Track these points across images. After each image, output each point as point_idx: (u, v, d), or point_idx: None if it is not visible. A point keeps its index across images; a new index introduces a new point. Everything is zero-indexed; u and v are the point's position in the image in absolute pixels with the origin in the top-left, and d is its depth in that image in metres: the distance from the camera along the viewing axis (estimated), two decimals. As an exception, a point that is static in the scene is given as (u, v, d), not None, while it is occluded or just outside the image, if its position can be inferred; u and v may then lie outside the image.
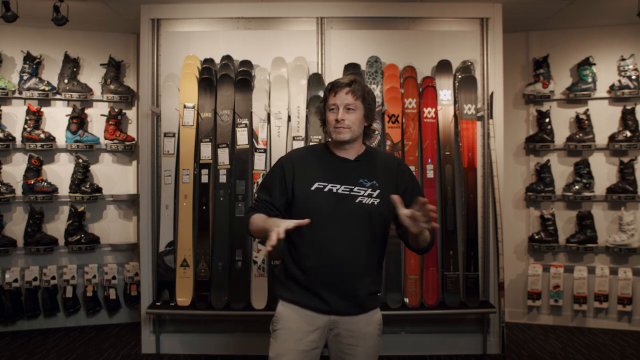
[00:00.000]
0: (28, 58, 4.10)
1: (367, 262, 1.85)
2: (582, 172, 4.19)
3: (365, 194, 1.83)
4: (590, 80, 4.20)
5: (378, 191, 1.85)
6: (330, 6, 3.71)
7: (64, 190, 4.20)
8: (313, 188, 1.82)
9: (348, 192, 1.82)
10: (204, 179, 3.53)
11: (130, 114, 4.43)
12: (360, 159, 1.89)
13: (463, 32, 3.75)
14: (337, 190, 1.82)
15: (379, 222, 1.85)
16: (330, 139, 1.92)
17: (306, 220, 1.73)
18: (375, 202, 1.83)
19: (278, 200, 1.88)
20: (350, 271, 1.82)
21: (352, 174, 1.86)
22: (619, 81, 4.16)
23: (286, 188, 1.87)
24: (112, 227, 4.41)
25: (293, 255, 1.86)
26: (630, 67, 4.13)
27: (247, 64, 3.63)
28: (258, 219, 1.84)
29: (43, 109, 4.17)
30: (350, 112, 1.83)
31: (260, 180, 3.45)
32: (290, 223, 1.71)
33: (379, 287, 1.93)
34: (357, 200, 1.82)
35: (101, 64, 4.32)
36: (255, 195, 1.94)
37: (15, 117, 4.18)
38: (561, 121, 4.33)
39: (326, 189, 1.82)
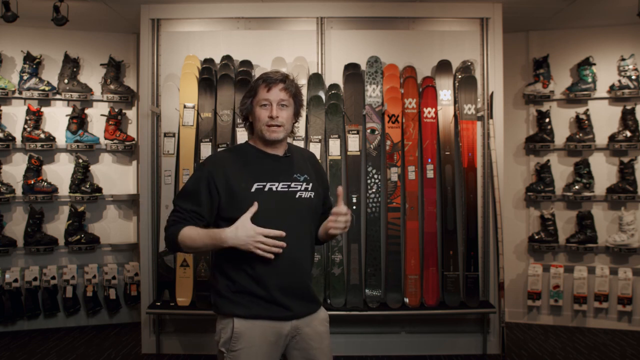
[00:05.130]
0: (28, 58, 4.10)
1: (311, 257, 1.85)
2: (582, 172, 4.19)
3: (302, 189, 1.80)
4: (590, 80, 4.20)
5: (311, 184, 1.83)
6: (330, 6, 3.71)
7: (64, 190, 4.20)
8: (253, 190, 1.73)
9: (287, 189, 1.77)
10: (204, 179, 3.53)
11: (130, 114, 4.43)
12: (288, 155, 1.85)
13: (463, 32, 3.75)
14: (276, 188, 1.76)
15: (315, 215, 1.86)
16: (256, 137, 1.84)
17: (254, 207, 1.67)
18: (312, 196, 1.82)
19: (206, 209, 1.75)
20: (302, 269, 1.80)
21: (285, 170, 1.81)
22: (619, 81, 4.16)
23: (218, 194, 1.74)
24: (112, 227, 4.41)
25: (239, 265, 1.74)
26: (630, 67, 4.13)
27: (247, 64, 3.63)
28: (194, 233, 1.71)
29: (43, 109, 4.17)
30: (283, 109, 1.77)
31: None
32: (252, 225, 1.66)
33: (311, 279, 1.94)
34: (297, 196, 1.79)
35: (101, 64, 4.32)
36: (176, 204, 1.78)
37: (15, 117, 4.18)
38: (561, 121, 4.33)
39: (266, 189, 1.75)
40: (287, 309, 1.74)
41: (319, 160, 2.04)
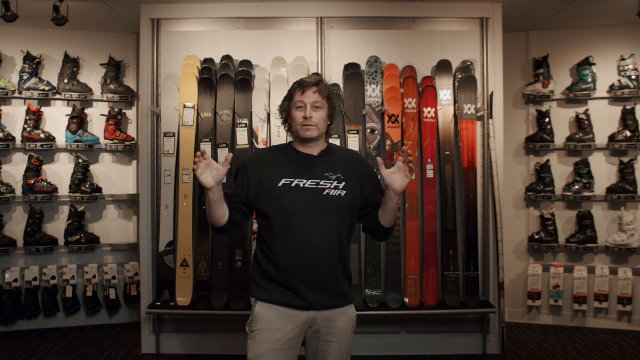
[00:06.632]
0: (28, 58, 4.10)
1: (339, 253, 1.89)
2: (582, 172, 4.19)
3: (332, 187, 1.89)
4: (590, 80, 4.20)
5: (344, 183, 1.90)
6: (330, 6, 3.71)
7: (64, 190, 4.20)
8: (280, 185, 1.86)
9: (315, 186, 1.87)
10: (204, 179, 3.52)
11: (130, 114, 4.43)
12: (324, 154, 1.95)
13: (463, 32, 3.75)
14: (304, 185, 1.87)
15: (347, 213, 1.91)
16: (293, 138, 1.98)
17: (229, 155, 1.80)
18: (342, 194, 1.89)
19: (243, 191, 1.92)
20: (325, 264, 1.85)
21: (317, 168, 1.91)
22: (619, 81, 4.16)
23: (247, 184, 1.91)
24: (112, 227, 4.41)
25: (266, 254, 1.88)
26: (630, 67, 4.13)
27: (247, 64, 3.63)
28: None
29: (43, 109, 4.17)
30: (317, 111, 1.89)
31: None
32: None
33: (350, 277, 1.99)
34: (324, 193, 1.87)
35: (101, 64, 4.32)
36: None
37: (15, 117, 4.18)
38: (561, 121, 4.33)
39: (293, 185, 1.86)
40: (304, 300, 1.83)
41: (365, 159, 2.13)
